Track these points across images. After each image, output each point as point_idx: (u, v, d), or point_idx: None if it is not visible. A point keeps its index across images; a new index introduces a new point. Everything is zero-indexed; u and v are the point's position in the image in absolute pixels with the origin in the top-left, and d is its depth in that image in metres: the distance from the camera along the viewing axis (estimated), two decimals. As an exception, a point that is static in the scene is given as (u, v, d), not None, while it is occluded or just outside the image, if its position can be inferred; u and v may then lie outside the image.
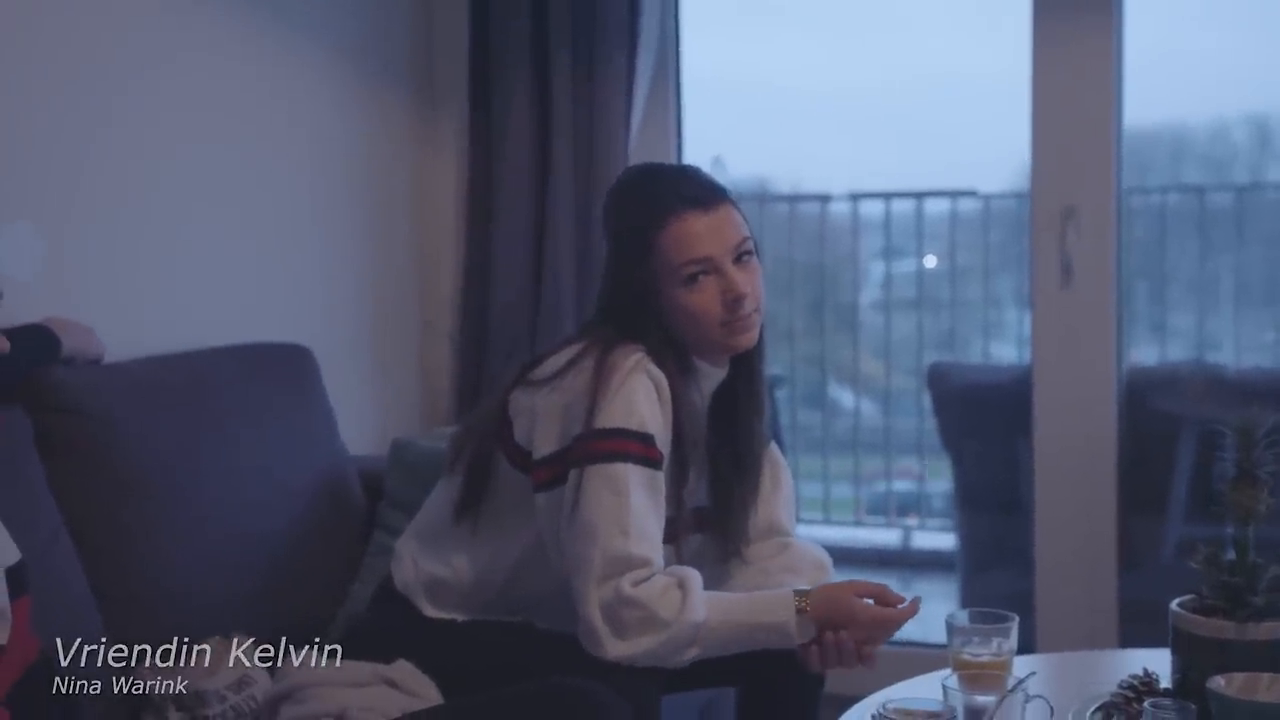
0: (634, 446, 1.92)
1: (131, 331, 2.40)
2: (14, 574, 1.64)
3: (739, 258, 1.98)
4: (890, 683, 1.97)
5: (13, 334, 2.07)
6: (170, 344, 2.47)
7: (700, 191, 1.99)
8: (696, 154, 3.38)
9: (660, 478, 1.95)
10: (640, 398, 1.94)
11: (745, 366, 2.07)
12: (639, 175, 2.09)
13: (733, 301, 1.96)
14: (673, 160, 3.23)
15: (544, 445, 1.98)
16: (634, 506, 1.89)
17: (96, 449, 2.15)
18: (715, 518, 2.11)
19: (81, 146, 2.39)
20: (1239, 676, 1.70)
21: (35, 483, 2.05)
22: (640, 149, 3.12)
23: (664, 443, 1.96)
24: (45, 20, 2.33)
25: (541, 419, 1.99)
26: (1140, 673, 1.85)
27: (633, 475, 1.91)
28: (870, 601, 1.91)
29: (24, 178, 2.26)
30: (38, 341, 2.10)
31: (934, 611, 3.78)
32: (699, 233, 1.96)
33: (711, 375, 2.05)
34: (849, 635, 1.88)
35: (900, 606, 1.91)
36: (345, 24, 3.06)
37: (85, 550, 2.09)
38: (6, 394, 2.09)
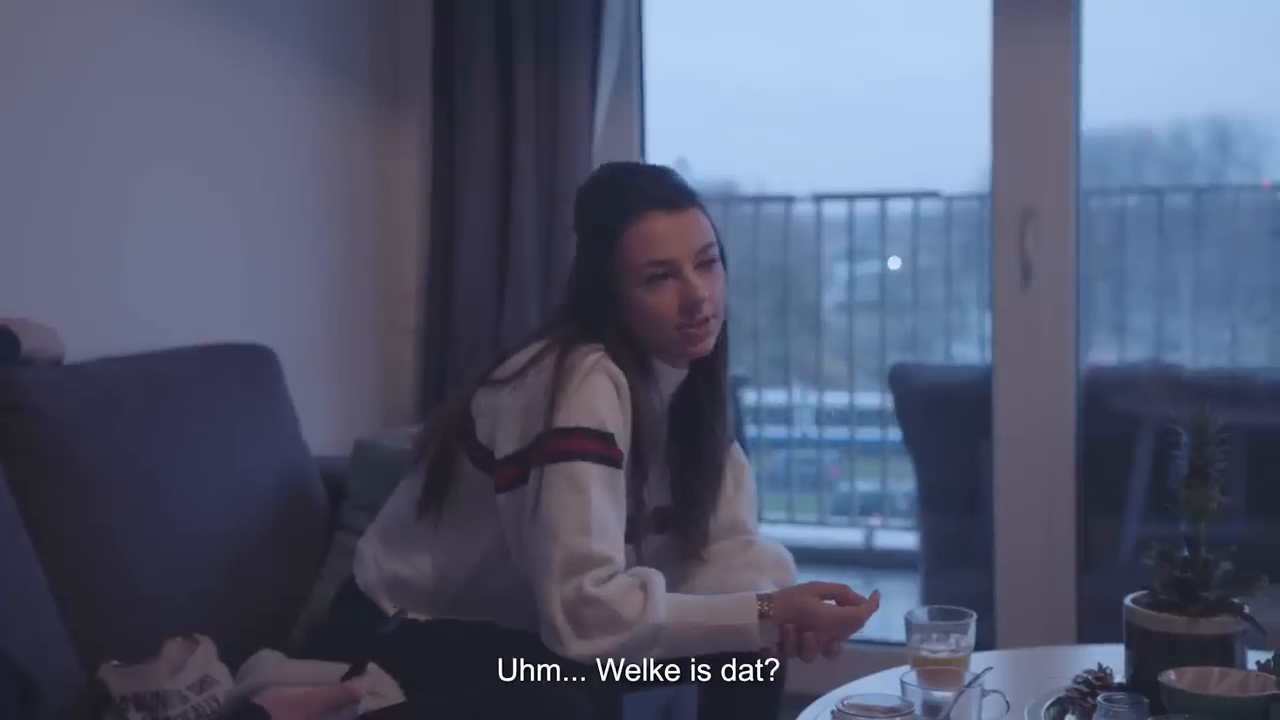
0: (594, 445, 1.92)
1: (92, 331, 2.39)
2: (-28, 575, 1.64)
3: (701, 263, 1.98)
4: (850, 679, 1.99)
5: (-29, 333, 2.06)
6: (131, 344, 2.45)
7: (668, 193, 1.99)
8: (661, 154, 3.39)
9: (621, 476, 1.96)
10: (600, 397, 1.94)
11: (706, 368, 2.07)
12: (610, 173, 2.10)
13: (690, 306, 1.97)
14: (637, 160, 3.24)
15: (505, 445, 1.99)
16: (595, 505, 1.90)
17: (56, 450, 2.14)
18: (677, 517, 2.12)
19: (40, 145, 2.38)
20: (1190, 671, 1.73)
21: (-6, 484, 2.04)
22: (604, 149, 3.13)
23: (624, 442, 1.97)
24: (3, 18, 2.31)
25: (503, 418, 2.00)
26: (1095, 668, 1.87)
27: (593, 474, 1.91)
28: (832, 602, 1.92)
29: (-17, 177, 2.25)
30: (-4, 341, 2.09)
31: (897, 610, 3.81)
32: (662, 234, 1.97)
33: (670, 376, 2.06)
34: (811, 637, 1.89)
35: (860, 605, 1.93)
36: (307, 23, 3.06)
37: (45, 551, 2.07)
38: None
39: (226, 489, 2.36)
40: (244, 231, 2.88)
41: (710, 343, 2.02)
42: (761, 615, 1.89)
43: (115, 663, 2.03)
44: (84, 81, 2.47)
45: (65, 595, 2.08)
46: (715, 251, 2.01)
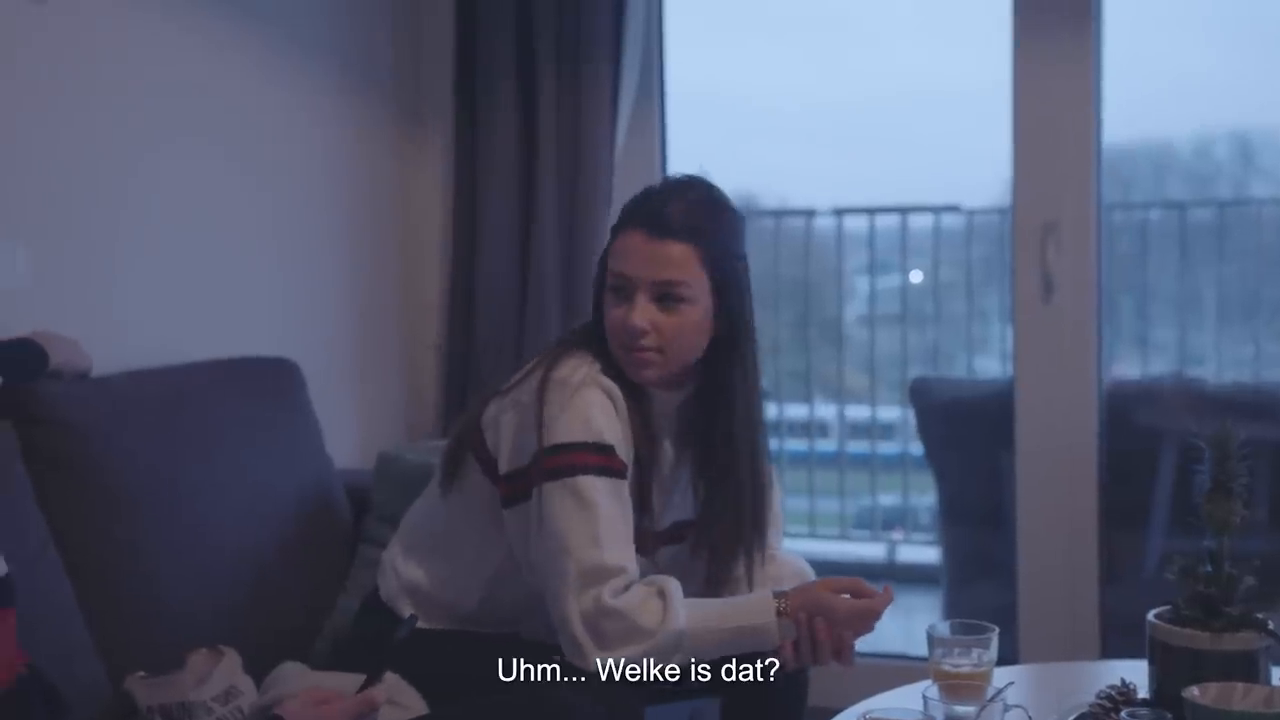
0: (593, 459, 1.93)
1: (118, 345, 2.41)
2: (1, 586, 1.65)
3: (662, 296, 1.96)
4: (872, 694, 1.99)
5: (0, 347, 2.08)
6: (156, 358, 2.47)
7: (659, 219, 1.96)
8: (681, 168, 3.37)
9: (625, 487, 1.97)
10: (595, 410, 1.95)
11: (712, 386, 2.05)
12: (649, 186, 2.09)
13: (623, 329, 1.97)
14: (657, 173, 3.25)
15: (505, 461, 2.01)
16: (602, 517, 1.91)
17: (83, 462, 2.16)
18: (700, 530, 2.12)
19: (67, 160, 2.40)
20: (1214, 686, 1.72)
21: (23, 496, 2.05)
22: (625, 162, 3.14)
23: (625, 453, 1.98)
24: (34, 36, 2.34)
25: (503, 434, 2.02)
26: (1118, 683, 1.87)
27: (598, 486, 1.92)
28: (847, 596, 1.93)
29: (9, 191, 2.27)
30: (25, 355, 2.11)
31: (918, 625, 3.80)
32: (629, 251, 1.98)
33: (659, 395, 2.04)
34: (824, 628, 1.89)
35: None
36: (330, 37, 3.08)
37: (72, 563, 2.09)
38: (-5, 408, 2.10)
39: (251, 502, 2.38)
40: (267, 244, 2.90)
41: (650, 373, 1.99)
42: (779, 613, 1.90)
43: (141, 674, 2.05)
44: (109, 96, 2.49)
45: (92, 607, 2.10)
46: (687, 292, 1.96)
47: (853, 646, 1.93)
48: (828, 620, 1.90)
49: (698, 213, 1.98)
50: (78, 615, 2.07)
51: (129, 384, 2.32)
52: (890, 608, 1.96)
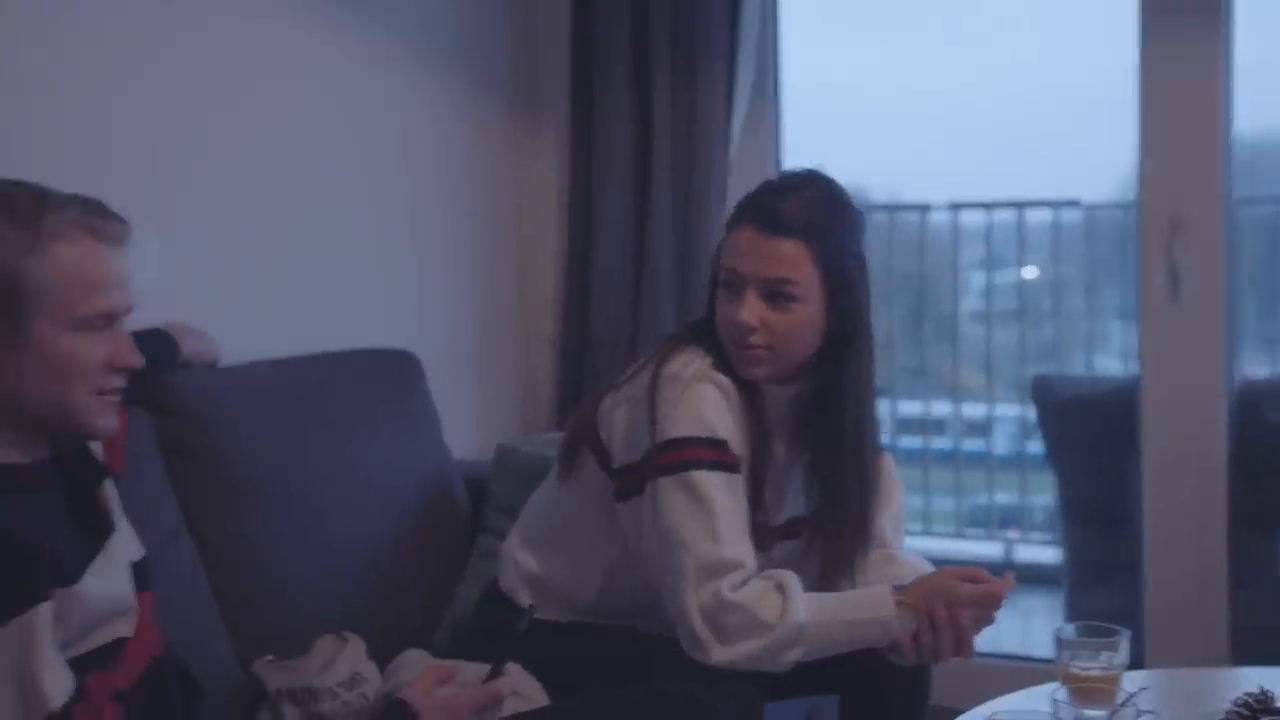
0: (706, 453, 1.93)
1: (245, 336, 2.45)
2: (138, 569, 1.69)
3: (771, 294, 1.95)
4: (993, 694, 1.96)
5: (135, 338, 2.13)
6: (282, 349, 2.52)
7: (772, 215, 1.95)
8: (796, 163, 3.36)
9: (739, 481, 1.96)
10: (707, 405, 1.95)
11: (831, 388, 2.02)
12: (766, 181, 2.08)
13: (733, 325, 1.96)
14: (772, 170, 3.23)
15: (618, 455, 2.02)
16: (718, 511, 1.91)
17: (212, 450, 2.21)
18: (814, 526, 2.11)
19: (198, 156, 2.46)
20: (1359, 694, 1.67)
21: (157, 482, 2.11)
22: (740, 158, 3.13)
23: (738, 447, 1.97)
24: (165, 34, 2.39)
25: (616, 428, 2.03)
26: (1256, 690, 1.82)
27: (712, 481, 1.92)
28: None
29: (145, 186, 2.32)
30: (158, 345, 2.16)
31: (1036, 627, 3.73)
32: (741, 247, 1.97)
33: (772, 391, 2.03)
34: (946, 619, 1.87)
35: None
36: (449, 33, 3.10)
37: (203, 548, 2.15)
38: (130, 397, 2.14)
39: (373, 491, 2.41)
40: (388, 238, 2.94)
41: (760, 371, 1.98)
42: (898, 603, 1.89)
43: (269, 658, 2.09)
44: (236, 92, 2.54)
45: (221, 591, 2.15)
46: (797, 291, 1.94)
47: (973, 637, 1.90)
48: (948, 603, 1.87)
49: (814, 210, 1.96)
50: (209, 599, 2.12)
51: (256, 374, 2.37)
52: (1007, 608, 1.94)
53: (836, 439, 2.02)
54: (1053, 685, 1.81)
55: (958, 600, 1.88)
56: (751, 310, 1.94)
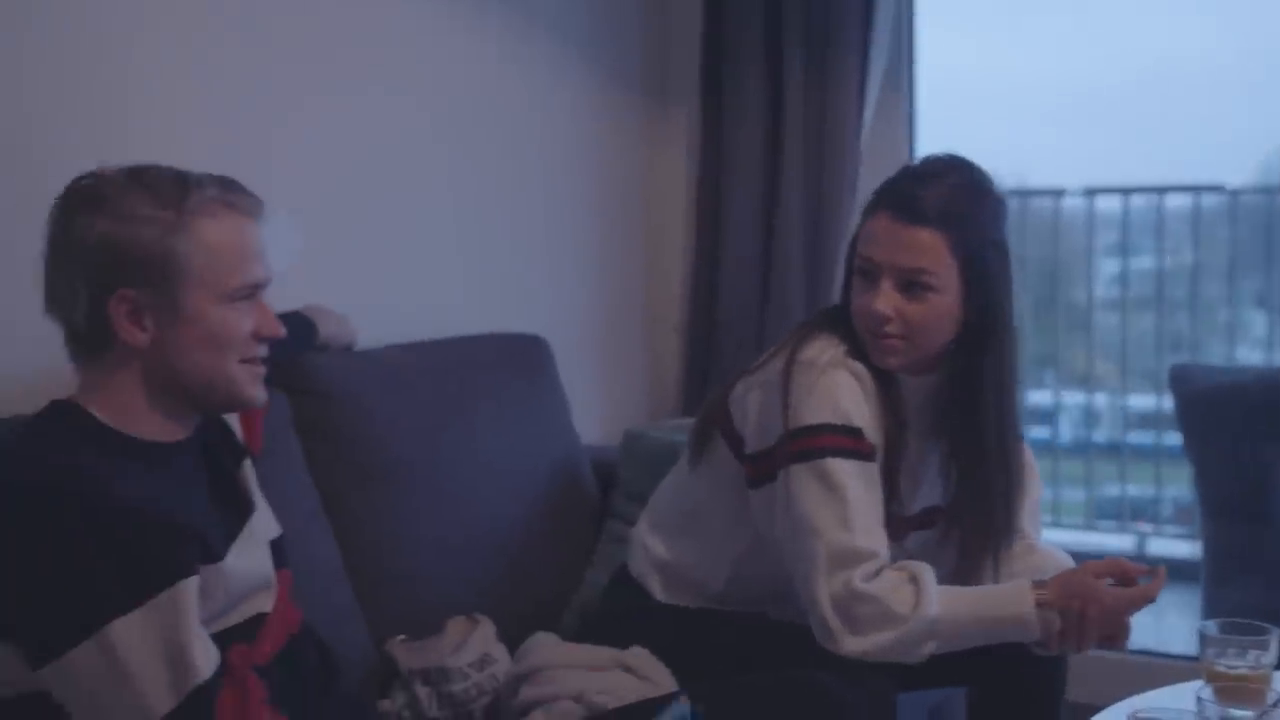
0: (842, 441, 1.91)
1: (380, 320, 2.49)
2: (276, 547, 1.73)
3: (907, 284, 1.92)
4: (1129, 692, 1.92)
5: (276, 319, 2.18)
6: (415, 333, 2.55)
7: (910, 203, 1.91)
8: (928, 149, 3.31)
9: (874, 470, 1.94)
10: (842, 392, 1.93)
11: (968, 378, 1.98)
12: (905, 167, 2.06)
13: (867, 315, 1.93)
14: (905, 158, 3.19)
15: (751, 441, 2.00)
16: (852, 500, 1.89)
17: (348, 431, 2.24)
18: (950, 517, 2.07)
19: (339, 143, 2.50)
20: None
21: (294, 462, 2.15)
22: (872, 146, 3.09)
23: (873, 436, 1.95)
24: (311, 25, 2.43)
25: (749, 413, 2.01)
26: None
27: (847, 469, 1.90)
28: (1111, 581, 1.88)
29: (283, 172, 2.36)
30: (297, 328, 2.19)
31: (1170, 622, 3.64)
32: (877, 235, 1.94)
33: (907, 381, 2.00)
34: (1095, 620, 1.83)
35: (1143, 581, 1.88)
36: (584, 28, 3.11)
37: (338, 528, 2.18)
38: (269, 377, 2.19)
39: (504, 474, 2.43)
40: (520, 224, 2.96)
41: (895, 360, 1.95)
42: (1038, 602, 1.84)
43: (402, 637, 2.13)
44: (379, 82, 2.58)
45: (355, 570, 2.19)
46: (934, 281, 1.90)
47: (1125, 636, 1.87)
48: (1098, 609, 1.83)
49: (954, 198, 1.92)
50: (343, 578, 2.16)
51: (391, 357, 2.40)
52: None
53: (979, 430, 1.99)
54: (1196, 683, 1.76)
55: (1101, 605, 1.84)
56: (887, 300, 1.92)
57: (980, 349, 1.96)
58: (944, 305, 1.93)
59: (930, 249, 1.90)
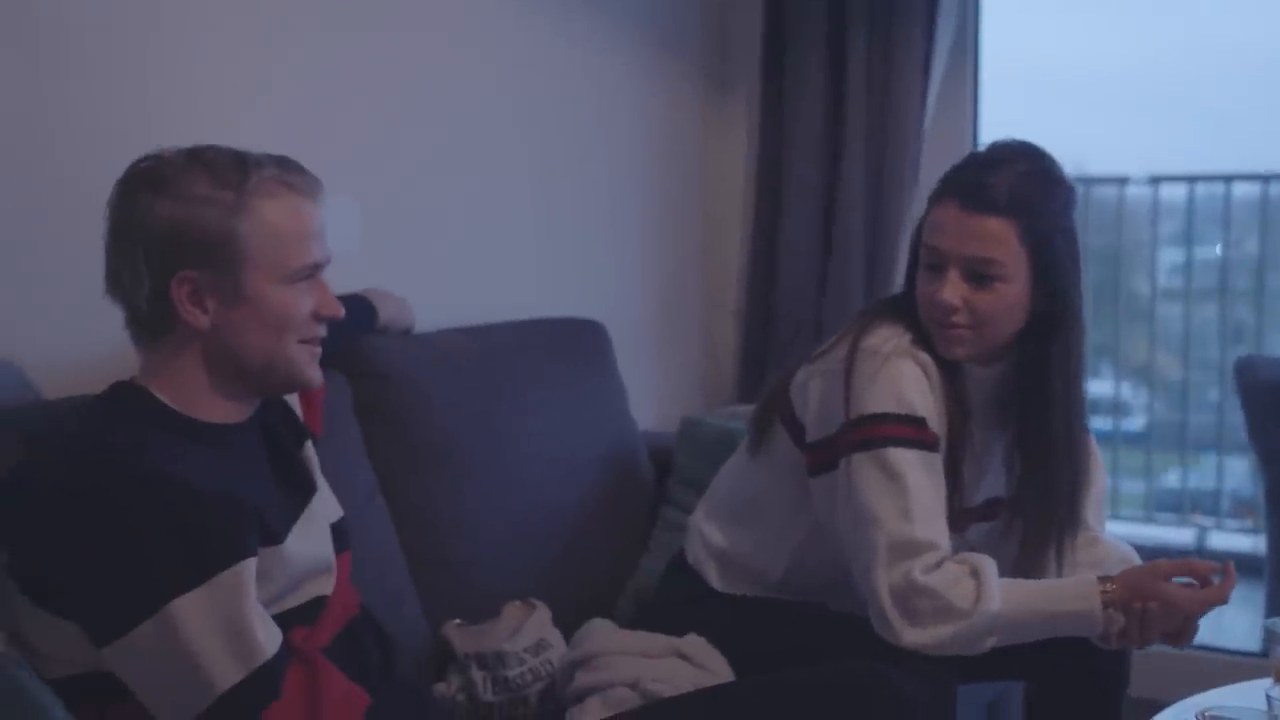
0: (905, 431, 1.89)
1: (438, 303, 2.49)
2: (336, 529, 1.73)
3: (973, 273, 1.89)
4: (1191, 688, 1.89)
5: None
6: (473, 317, 2.55)
7: (978, 192, 1.88)
8: (991, 134, 3.27)
9: (938, 460, 1.92)
10: (906, 381, 1.91)
11: (1035, 367, 1.96)
12: (972, 154, 2.04)
13: (934, 304, 1.91)
14: (968, 144, 3.15)
15: (812, 429, 1.98)
16: (913, 490, 1.87)
17: (406, 415, 2.25)
18: (1013, 509, 2.05)
19: (397, 127, 2.50)
20: None
21: (353, 445, 2.15)
22: (935, 131, 3.05)
23: (937, 426, 1.92)
24: (369, 8, 2.43)
25: (810, 401, 2.00)
26: None
27: (909, 459, 1.88)
28: (1179, 580, 1.85)
29: (346, 157, 2.37)
30: (357, 311, 2.20)
31: (1231, 617, 3.59)
32: (944, 224, 1.91)
33: (974, 371, 1.98)
34: (1158, 620, 1.81)
35: (1214, 579, 1.85)
36: (643, 6, 3.09)
37: (396, 511, 2.19)
38: (329, 360, 2.20)
39: (561, 459, 2.43)
40: (576, 209, 2.95)
41: (961, 350, 1.92)
42: (1106, 601, 1.82)
43: (458, 621, 2.13)
44: (436, 67, 2.58)
45: (412, 553, 2.19)
46: (1001, 271, 1.87)
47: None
48: (1164, 608, 1.80)
49: (1023, 185, 1.89)
50: (400, 561, 2.16)
51: (449, 341, 2.40)
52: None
53: (1046, 419, 1.96)
54: (1264, 681, 1.74)
55: (1169, 604, 1.82)
56: (954, 290, 1.89)
57: (1048, 338, 1.94)
58: (1013, 294, 1.90)
59: (999, 238, 1.87)
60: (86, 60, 2.00)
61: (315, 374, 1.63)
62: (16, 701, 1.36)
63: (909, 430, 1.89)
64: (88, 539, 1.42)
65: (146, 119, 2.05)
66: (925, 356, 1.93)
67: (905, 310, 1.99)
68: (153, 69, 2.08)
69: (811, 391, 2.00)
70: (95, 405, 1.58)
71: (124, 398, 1.56)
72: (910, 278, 2.01)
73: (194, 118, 2.09)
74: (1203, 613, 1.83)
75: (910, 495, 1.87)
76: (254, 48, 2.23)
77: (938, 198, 1.94)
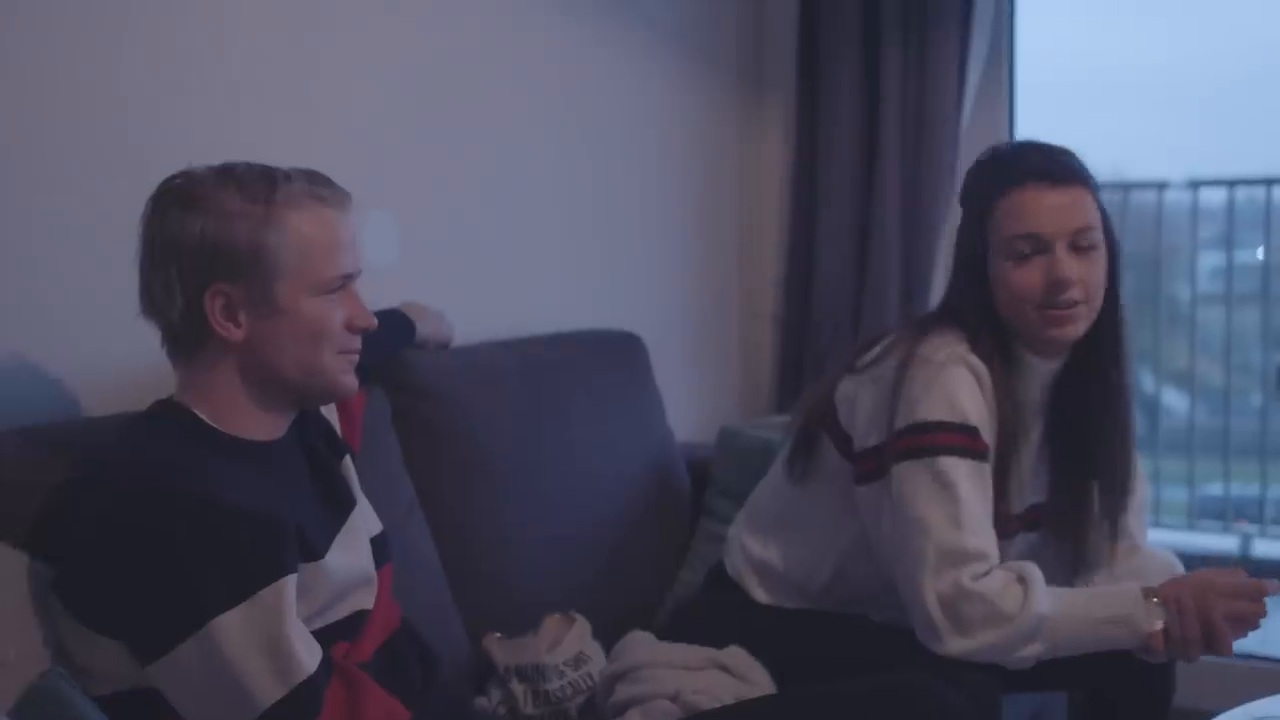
0: (957, 439, 1.87)
1: (476, 317, 2.49)
2: (376, 543, 1.74)
3: (1079, 246, 1.89)
4: (1238, 698, 1.87)
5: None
6: (511, 330, 2.55)
7: (1053, 166, 1.90)
8: (1027, 137, 3.25)
9: (987, 470, 1.90)
10: (961, 389, 1.89)
11: (1090, 362, 1.96)
12: (1005, 145, 2.04)
13: (1053, 285, 1.88)
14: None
15: (863, 437, 1.97)
16: (964, 499, 1.85)
17: (445, 428, 2.25)
18: (1055, 517, 2.03)
19: (434, 140, 2.50)
20: None
21: (393, 458, 2.16)
22: (971, 134, 3.03)
23: (988, 435, 1.91)
24: (406, 20, 2.44)
25: (860, 409, 1.98)
26: None
27: (959, 468, 1.87)
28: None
29: (383, 171, 2.38)
30: (395, 325, 2.21)
31: (1276, 624, 3.55)
32: (1036, 207, 1.89)
33: (1038, 368, 1.96)
34: (1204, 610, 1.78)
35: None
36: (678, 12, 3.09)
37: (435, 524, 2.19)
38: (369, 375, 2.20)
39: (599, 471, 2.43)
40: (613, 220, 2.95)
41: (1075, 329, 1.91)
42: (1150, 610, 1.80)
43: (498, 634, 2.13)
44: (473, 79, 2.58)
45: (452, 567, 2.19)
46: (1097, 236, 1.90)
47: (1231, 639, 1.81)
48: (1204, 596, 1.78)
49: (1077, 160, 1.94)
50: (441, 574, 2.16)
51: (487, 354, 2.40)
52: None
53: (1098, 416, 1.96)
54: (1316, 692, 1.72)
55: (1214, 590, 1.80)
56: (1069, 266, 1.88)
57: (1108, 323, 1.94)
58: (1104, 262, 1.93)
59: (1088, 205, 1.91)
60: (138, 82, 2.01)
61: (351, 382, 1.63)
62: (63, 717, 1.37)
63: (961, 439, 1.88)
64: (131, 557, 1.43)
65: (183, 138, 2.05)
66: (979, 363, 1.92)
67: (959, 316, 1.96)
68: (192, 86, 2.09)
69: (861, 400, 1.98)
70: (138, 423, 1.59)
71: (165, 416, 1.57)
72: (957, 287, 1.98)
73: (233, 134, 2.09)
74: (1242, 599, 1.80)
75: (960, 504, 1.85)
76: (293, 64, 2.24)
77: (1007, 188, 1.90)
